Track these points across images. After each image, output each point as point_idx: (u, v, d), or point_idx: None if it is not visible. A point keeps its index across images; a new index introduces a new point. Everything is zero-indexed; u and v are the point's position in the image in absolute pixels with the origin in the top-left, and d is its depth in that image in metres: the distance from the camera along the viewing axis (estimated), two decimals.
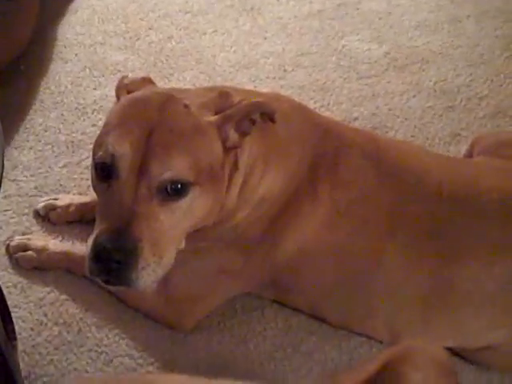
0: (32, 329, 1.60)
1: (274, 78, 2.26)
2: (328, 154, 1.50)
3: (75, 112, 2.09)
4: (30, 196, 1.83)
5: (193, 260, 1.50)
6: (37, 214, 1.78)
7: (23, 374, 1.49)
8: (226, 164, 1.37)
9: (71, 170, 1.91)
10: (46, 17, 2.41)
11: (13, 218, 1.78)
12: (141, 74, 1.53)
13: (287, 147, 1.49)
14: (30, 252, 1.67)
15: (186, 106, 1.32)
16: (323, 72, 2.31)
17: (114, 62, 2.26)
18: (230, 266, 1.51)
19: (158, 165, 1.24)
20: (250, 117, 1.35)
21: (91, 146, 1.36)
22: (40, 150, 1.97)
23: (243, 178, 1.43)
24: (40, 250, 1.67)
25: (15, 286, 1.65)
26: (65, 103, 2.12)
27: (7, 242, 1.71)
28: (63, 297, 1.64)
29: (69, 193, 1.85)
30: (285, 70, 2.31)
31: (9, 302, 1.46)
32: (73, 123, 2.05)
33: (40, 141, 1.99)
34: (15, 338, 1.49)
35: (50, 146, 1.98)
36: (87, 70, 2.24)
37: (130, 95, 1.38)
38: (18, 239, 1.71)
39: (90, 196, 1.77)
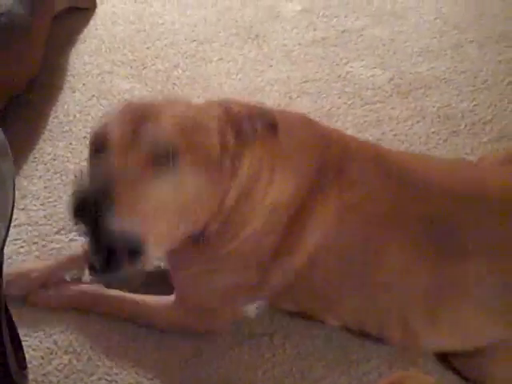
0: (42, 357, 1.60)
1: (280, 104, 2.28)
2: (334, 160, 1.52)
3: (84, 141, 2.11)
4: (40, 225, 1.85)
5: (206, 276, 1.51)
6: None
7: None
8: (226, 161, 1.38)
9: None
10: (54, 46, 2.44)
11: (22, 247, 1.80)
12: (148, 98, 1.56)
13: (292, 155, 1.51)
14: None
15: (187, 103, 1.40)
16: (328, 98, 2.33)
17: (122, 91, 2.29)
18: (246, 283, 1.52)
19: (148, 129, 1.26)
20: (251, 122, 1.37)
21: None
22: (49, 179, 1.99)
23: (247, 185, 1.44)
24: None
25: (25, 315, 1.66)
26: (73, 132, 2.15)
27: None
28: (73, 325, 1.65)
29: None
30: (290, 97, 2.33)
31: (19, 331, 1.47)
32: (81, 152, 2.07)
33: (49, 170, 2.02)
34: (26, 367, 1.49)
35: (58, 175, 2.00)
36: (95, 98, 2.27)
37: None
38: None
39: (53, 260, 1.75)
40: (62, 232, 1.84)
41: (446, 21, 2.74)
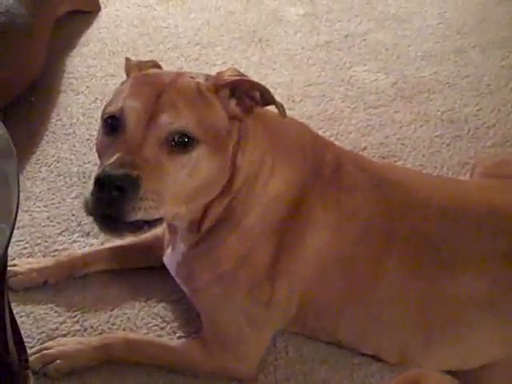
0: None
1: None
2: (330, 162, 1.53)
3: (87, 143, 2.12)
4: (43, 226, 1.85)
5: (221, 303, 1.50)
6: None
7: None
8: (232, 134, 1.39)
9: None
10: (57, 49, 2.45)
11: (25, 248, 1.80)
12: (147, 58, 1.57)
13: (290, 151, 1.52)
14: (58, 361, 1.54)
15: (192, 78, 1.39)
16: (331, 102, 2.34)
17: None
18: (261, 296, 1.50)
19: (167, 116, 1.28)
20: (248, 91, 1.37)
21: None
22: (52, 181, 1.99)
23: (252, 171, 1.45)
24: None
25: (28, 316, 1.66)
26: (77, 134, 2.15)
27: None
28: (76, 328, 1.65)
29: (80, 223, 1.86)
30: (293, 101, 2.34)
31: (22, 332, 1.47)
32: (85, 154, 2.08)
33: (52, 172, 2.02)
34: (28, 368, 1.49)
35: (62, 177, 2.00)
36: (98, 101, 2.28)
37: (142, 73, 1.42)
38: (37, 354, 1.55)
39: (51, 259, 1.75)
40: (65, 233, 1.84)
41: (449, 25, 2.75)
